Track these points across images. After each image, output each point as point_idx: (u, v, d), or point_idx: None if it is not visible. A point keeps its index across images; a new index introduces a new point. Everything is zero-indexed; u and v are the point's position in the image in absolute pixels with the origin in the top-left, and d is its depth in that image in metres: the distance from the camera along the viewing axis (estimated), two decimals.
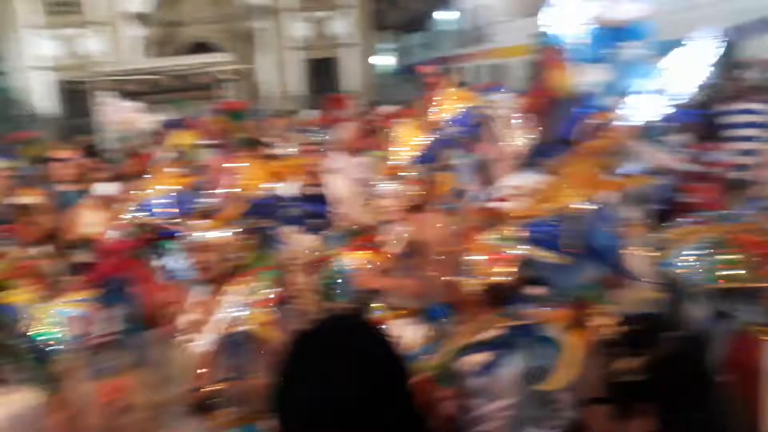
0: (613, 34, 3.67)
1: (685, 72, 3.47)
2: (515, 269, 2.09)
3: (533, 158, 3.19)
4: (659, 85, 3.42)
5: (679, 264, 2.40)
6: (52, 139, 14.50)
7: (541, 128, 3.94)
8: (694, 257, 2.37)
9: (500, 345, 2.02)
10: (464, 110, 4.25)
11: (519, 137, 4.15)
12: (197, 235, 2.90)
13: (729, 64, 9.88)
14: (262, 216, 3.01)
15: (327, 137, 4.58)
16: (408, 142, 3.90)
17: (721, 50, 3.44)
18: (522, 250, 2.10)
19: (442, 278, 2.27)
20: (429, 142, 3.87)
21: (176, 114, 8.92)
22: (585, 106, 3.44)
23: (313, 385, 1.33)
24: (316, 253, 3.92)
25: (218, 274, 2.84)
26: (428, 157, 3.87)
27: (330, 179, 4.56)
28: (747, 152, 4.75)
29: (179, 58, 18.61)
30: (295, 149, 4.37)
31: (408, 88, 14.44)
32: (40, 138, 12.40)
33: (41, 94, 23.89)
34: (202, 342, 2.71)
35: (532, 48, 3.94)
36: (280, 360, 1.38)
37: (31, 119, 21.15)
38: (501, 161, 4.12)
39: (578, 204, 2.04)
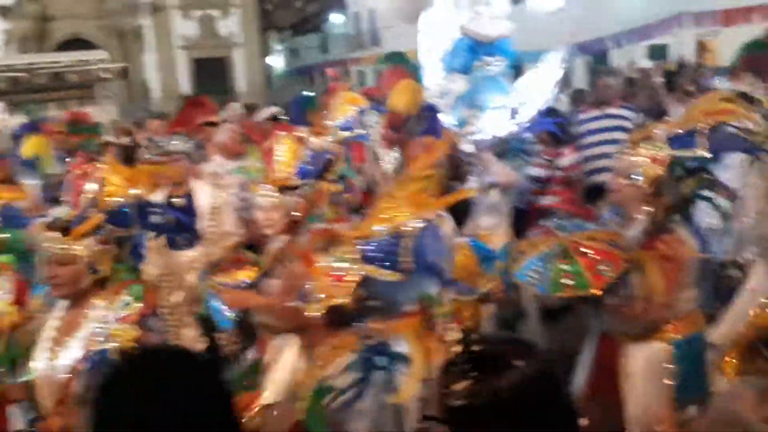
0: (476, 47, 3.81)
1: (541, 86, 3.65)
2: (353, 289, 2.08)
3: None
4: (515, 101, 3.57)
5: (526, 275, 2.50)
6: None
7: (399, 146, 4.00)
8: (540, 267, 2.47)
9: (356, 371, 2.02)
10: (352, 116, 4.22)
11: (389, 157, 4.18)
12: (49, 248, 2.72)
13: (597, 71, 10.51)
14: (121, 226, 2.87)
15: (189, 144, 4.40)
16: (291, 151, 3.76)
17: (583, 62, 3.63)
18: (359, 269, 2.10)
19: (284, 304, 2.24)
20: (313, 152, 3.75)
21: (36, 116, 8.34)
22: (434, 122, 3.51)
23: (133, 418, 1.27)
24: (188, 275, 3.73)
25: (76, 289, 2.69)
26: (313, 168, 3.76)
27: (198, 188, 4.39)
28: (603, 156, 5.04)
29: (53, 54, 17.44)
30: (159, 155, 4.16)
31: (298, 89, 14.31)
32: None
33: None
34: (65, 361, 2.55)
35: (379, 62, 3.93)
36: (95, 392, 1.31)
37: None
38: (383, 182, 4.13)
39: (410, 221, 2.07)
